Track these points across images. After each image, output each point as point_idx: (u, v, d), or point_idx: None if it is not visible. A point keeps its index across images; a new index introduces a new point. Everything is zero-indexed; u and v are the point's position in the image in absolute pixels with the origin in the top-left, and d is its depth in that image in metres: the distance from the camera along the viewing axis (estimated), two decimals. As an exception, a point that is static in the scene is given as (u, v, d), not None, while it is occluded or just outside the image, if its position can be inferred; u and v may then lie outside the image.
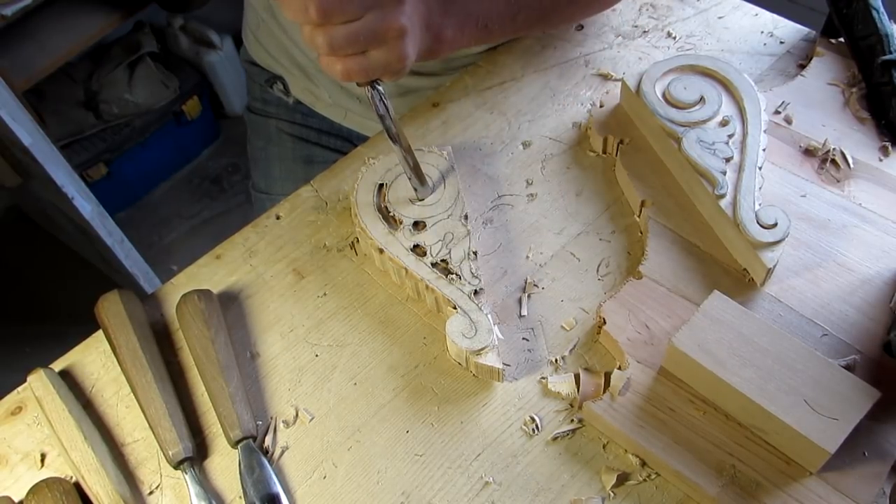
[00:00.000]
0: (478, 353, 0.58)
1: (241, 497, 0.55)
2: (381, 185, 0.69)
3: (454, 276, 0.62)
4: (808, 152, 0.71)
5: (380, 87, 0.61)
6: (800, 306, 0.61)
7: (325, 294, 0.66)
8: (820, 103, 0.74)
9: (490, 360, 0.58)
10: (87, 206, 1.51)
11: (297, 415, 0.59)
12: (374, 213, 0.67)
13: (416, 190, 0.67)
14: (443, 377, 0.61)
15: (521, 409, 0.59)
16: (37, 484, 0.54)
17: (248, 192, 1.13)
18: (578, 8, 0.80)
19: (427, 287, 0.62)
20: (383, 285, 0.66)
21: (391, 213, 0.67)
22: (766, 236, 0.60)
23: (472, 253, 0.63)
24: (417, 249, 0.64)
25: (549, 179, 0.73)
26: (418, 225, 0.66)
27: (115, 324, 0.61)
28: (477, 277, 0.62)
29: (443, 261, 0.63)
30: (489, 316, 0.60)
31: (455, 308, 0.60)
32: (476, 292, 0.61)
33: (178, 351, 0.64)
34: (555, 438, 0.57)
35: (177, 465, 0.56)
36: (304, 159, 1.02)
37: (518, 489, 0.55)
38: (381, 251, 0.64)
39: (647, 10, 0.87)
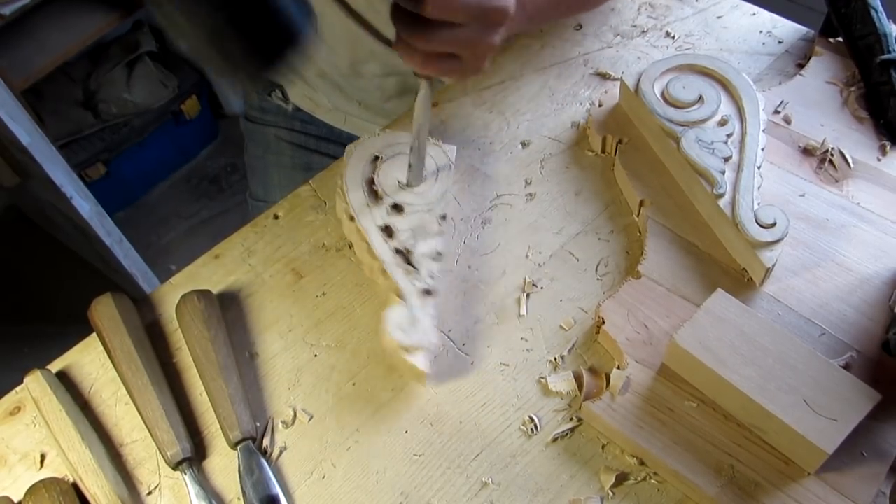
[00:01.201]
0: (407, 349, 0.57)
1: (239, 498, 0.55)
2: (377, 157, 0.69)
3: (412, 268, 0.62)
4: (807, 152, 0.71)
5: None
6: (798, 306, 0.61)
7: (323, 294, 0.66)
8: (818, 103, 0.74)
9: (418, 360, 0.57)
10: (85, 205, 1.51)
11: (295, 415, 0.59)
12: (359, 180, 0.66)
13: (409, 180, 0.67)
14: (441, 377, 0.60)
15: (520, 410, 0.58)
16: (34, 484, 0.54)
17: (247, 191, 1.13)
18: None
19: (383, 271, 0.62)
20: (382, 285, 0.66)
21: (376, 188, 0.67)
22: (765, 236, 0.60)
23: (437, 254, 0.63)
24: (387, 230, 0.64)
25: (548, 179, 0.72)
26: (397, 208, 0.66)
27: (108, 327, 0.61)
28: (433, 279, 0.61)
29: (407, 250, 0.63)
30: (433, 321, 0.59)
31: (401, 298, 0.60)
32: (427, 292, 0.61)
33: (176, 351, 0.64)
34: (554, 439, 0.57)
35: (175, 466, 0.56)
36: (304, 167, 1.01)
37: (517, 489, 0.55)
38: (352, 219, 0.64)
39: (646, 9, 0.87)
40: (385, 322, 0.58)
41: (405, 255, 0.63)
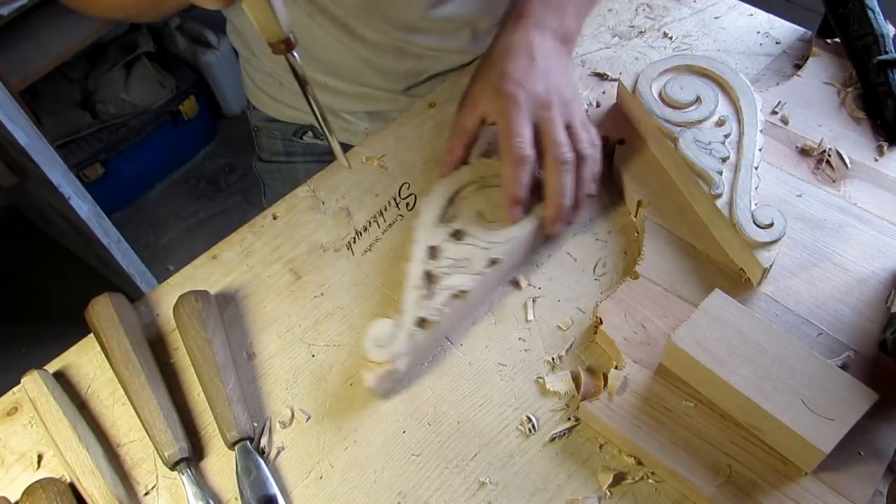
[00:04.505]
0: (369, 361, 0.57)
1: (237, 498, 0.55)
2: (476, 182, 0.67)
3: (427, 293, 0.60)
4: (805, 152, 0.71)
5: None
6: (796, 306, 0.61)
7: (321, 294, 0.66)
8: (816, 103, 0.74)
9: (368, 376, 0.57)
10: (83, 206, 1.51)
11: (293, 415, 0.59)
12: (445, 197, 0.66)
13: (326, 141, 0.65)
14: (439, 377, 0.61)
15: (518, 409, 0.58)
16: (31, 485, 0.54)
17: (245, 192, 1.10)
18: None
19: (405, 280, 0.62)
20: (380, 285, 0.66)
21: (454, 209, 0.65)
22: (763, 236, 0.60)
23: (461, 292, 0.60)
24: (433, 251, 0.63)
25: (546, 179, 0.72)
26: (457, 234, 0.64)
27: (106, 327, 0.61)
28: (439, 312, 0.59)
29: (435, 276, 0.61)
30: (409, 351, 0.58)
31: (397, 314, 0.59)
32: (423, 322, 0.59)
33: (174, 352, 0.63)
34: (552, 439, 0.57)
35: (173, 466, 0.56)
36: None
37: (514, 489, 0.55)
38: (416, 220, 0.65)
39: (644, 10, 0.87)
40: (367, 330, 0.59)
41: (431, 281, 0.61)
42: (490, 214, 0.65)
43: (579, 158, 0.65)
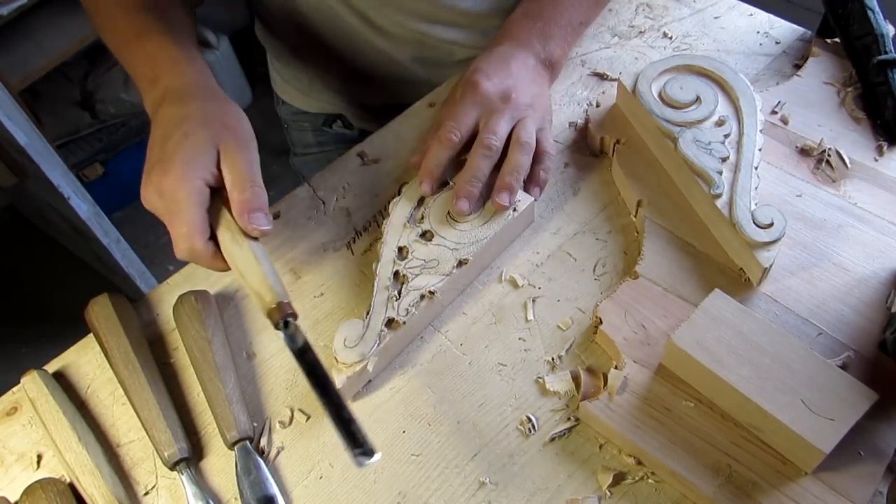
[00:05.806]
0: (336, 361, 0.58)
1: (237, 498, 0.55)
2: (446, 183, 0.68)
3: (396, 294, 0.61)
4: (804, 152, 0.71)
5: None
6: (796, 306, 0.61)
7: (321, 294, 0.66)
8: (816, 103, 0.74)
9: (338, 377, 0.57)
10: (83, 206, 1.51)
11: (293, 415, 0.59)
12: (416, 194, 0.67)
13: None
14: (439, 377, 0.61)
15: (518, 410, 0.58)
16: (31, 485, 0.54)
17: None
18: None
19: (374, 281, 0.62)
20: (380, 285, 0.66)
21: (424, 210, 0.66)
22: (763, 236, 0.60)
23: (429, 293, 0.61)
24: (402, 251, 0.64)
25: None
26: (426, 235, 0.65)
27: (105, 327, 0.61)
28: (408, 313, 0.60)
29: (406, 277, 0.62)
30: (378, 352, 0.58)
31: (366, 314, 0.60)
32: (390, 322, 0.59)
33: (174, 351, 0.63)
34: (552, 439, 0.57)
35: (172, 466, 0.56)
36: None
37: (514, 489, 0.55)
38: (384, 217, 0.66)
39: (644, 10, 0.87)
40: (338, 329, 0.59)
41: (400, 279, 0.62)
42: (459, 216, 0.65)
43: (514, 145, 0.66)
